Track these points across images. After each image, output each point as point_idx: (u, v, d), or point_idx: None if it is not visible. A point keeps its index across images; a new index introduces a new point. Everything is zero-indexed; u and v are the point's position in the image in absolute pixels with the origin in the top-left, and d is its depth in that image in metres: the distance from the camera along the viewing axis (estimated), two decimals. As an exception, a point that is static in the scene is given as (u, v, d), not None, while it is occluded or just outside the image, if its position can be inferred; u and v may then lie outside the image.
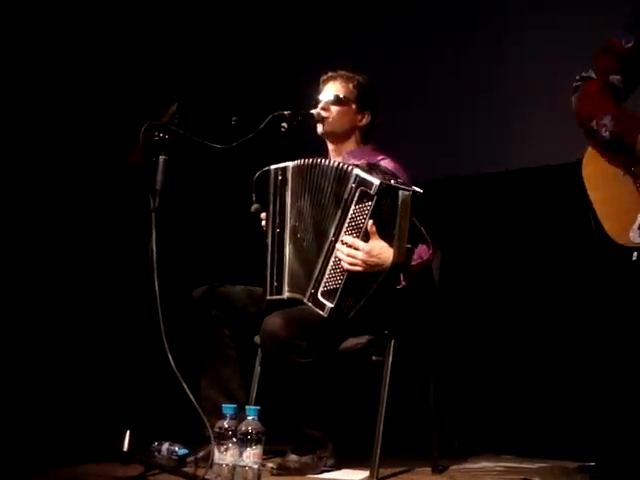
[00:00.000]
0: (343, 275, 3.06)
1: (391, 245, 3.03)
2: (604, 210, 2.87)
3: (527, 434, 3.99)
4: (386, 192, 3.01)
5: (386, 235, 3.05)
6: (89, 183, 4.31)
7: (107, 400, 3.86)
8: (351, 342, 3.18)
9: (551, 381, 4.07)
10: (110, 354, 4.15)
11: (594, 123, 2.93)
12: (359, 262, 3.03)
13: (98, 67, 4.39)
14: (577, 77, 3.06)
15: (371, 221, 3.03)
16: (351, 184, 3.08)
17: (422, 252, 3.14)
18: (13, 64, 4.09)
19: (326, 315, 3.06)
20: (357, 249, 3.03)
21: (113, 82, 4.42)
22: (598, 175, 2.94)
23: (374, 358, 3.19)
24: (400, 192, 3.01)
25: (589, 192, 2.93)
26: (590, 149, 2.98)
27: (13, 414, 3.71)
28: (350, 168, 3.12)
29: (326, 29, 5.14)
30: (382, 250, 3.04)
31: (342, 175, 3.13)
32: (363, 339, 3.18)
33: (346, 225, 3.09)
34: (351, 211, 3.07)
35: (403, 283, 3.10)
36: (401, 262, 3.02)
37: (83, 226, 4.28)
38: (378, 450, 3.07)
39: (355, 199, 3.06)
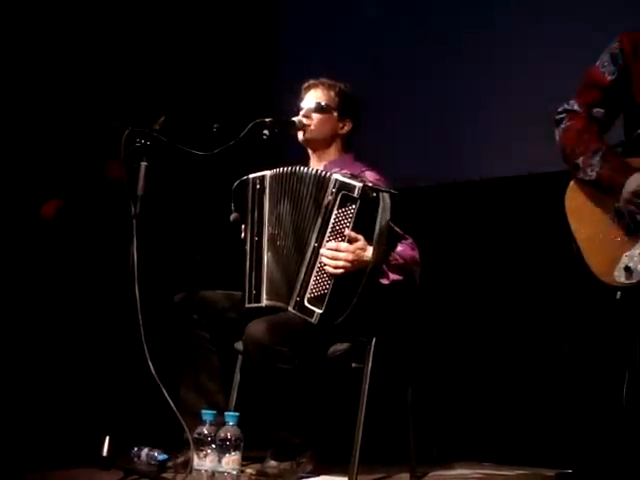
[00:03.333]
0: (330, 280, 3.07)
1: (371, 245, 3.06)
2: (588, 246, 2.86)
3: (506, 441, 4.00)
4: (368, 195, 3.05)
5: (367, 237, 3.07)
6: (70, 190, 4.30)
7: (87, 405, 3.86)
8: (331, 349, 3.19)
9: (530, 389, 4.09)
10: (90, 359, 4.14)
11: (580, 160, 2.91)
12: (344, 264, 3.04)
13: (78, 76, 4.38)
14: (560, 109, 3.04)
15: (353, 224, 3.05)
16: (331, 189, 3.10)
17: (405, 250, 3.17)
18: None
19: (315, 321, 3.05)
20: (341, 251, 3.05)
21: (93, 90, 4.41)
22: (582, 210, 2.92)
23: (354, 365, 3.20)
24: (381, 194, 3.05)
25: (572, 226, 2.92)
26: (572, 183, 2.98)
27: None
28: (328, 174, 3.15)
29: (307, 38, 5.17)
30: (365, 247, 3.06)
31: (321, 181, 3.15)
32: (343, 346, 3.19)
33: (329, 230, 3.10)
34: (333, 216, 3.09)
35: (393, 278, 3.12)
36: (379, 263, 3.06)
37: (63, 232, 4.27)
38: (357, 456, 3.07)
39: (337, 203, 3.08)
